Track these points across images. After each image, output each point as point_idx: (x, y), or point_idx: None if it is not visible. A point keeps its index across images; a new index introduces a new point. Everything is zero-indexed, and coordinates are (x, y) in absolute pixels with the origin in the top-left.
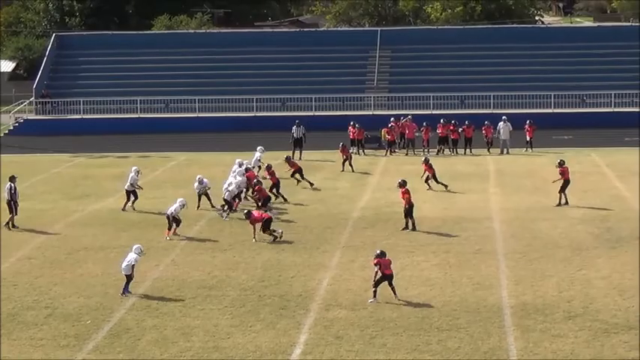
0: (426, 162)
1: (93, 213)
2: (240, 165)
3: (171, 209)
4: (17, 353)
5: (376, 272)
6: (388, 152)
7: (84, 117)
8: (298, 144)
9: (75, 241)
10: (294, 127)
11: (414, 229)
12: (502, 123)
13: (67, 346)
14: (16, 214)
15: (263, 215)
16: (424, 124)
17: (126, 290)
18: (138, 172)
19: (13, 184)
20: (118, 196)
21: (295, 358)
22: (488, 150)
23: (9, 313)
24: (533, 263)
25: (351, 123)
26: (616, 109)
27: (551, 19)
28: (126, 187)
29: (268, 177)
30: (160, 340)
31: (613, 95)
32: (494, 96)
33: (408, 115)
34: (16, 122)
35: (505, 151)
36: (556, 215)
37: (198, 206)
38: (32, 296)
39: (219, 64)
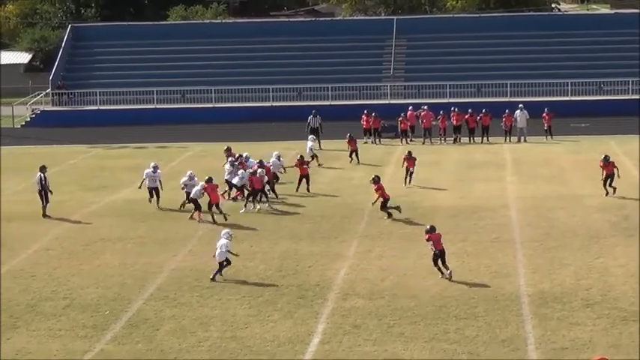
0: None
1: (110, 204)
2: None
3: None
4: (36, 344)
5: (431, 248)
6: (404, 141)
7: (100, 108)
8: (315, 133)
9: (92, 232)
10: (310, 117)
11: (389, 216)
12: (519, 111)
13: (85, 337)
14: (46, 202)
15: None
16: (440, 112)
17: (218, 273)
18: (156, 167)
19: (43, 174)
20: (134, 187)
21: (313, 348)
22: (508, 139)
23: (27, 304)
24: (551, 251)
25: (365, 112)
26: (634, 97)
27: (567, 7)
28: (148, 184)
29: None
30: (178, 330)
31: (631, 82)
32: (510, 84)
33: (425, 104)
34: (33, 114)
35: (522, 139)
36: (573, 204)
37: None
38: (50, 287)
39: (235, 54)
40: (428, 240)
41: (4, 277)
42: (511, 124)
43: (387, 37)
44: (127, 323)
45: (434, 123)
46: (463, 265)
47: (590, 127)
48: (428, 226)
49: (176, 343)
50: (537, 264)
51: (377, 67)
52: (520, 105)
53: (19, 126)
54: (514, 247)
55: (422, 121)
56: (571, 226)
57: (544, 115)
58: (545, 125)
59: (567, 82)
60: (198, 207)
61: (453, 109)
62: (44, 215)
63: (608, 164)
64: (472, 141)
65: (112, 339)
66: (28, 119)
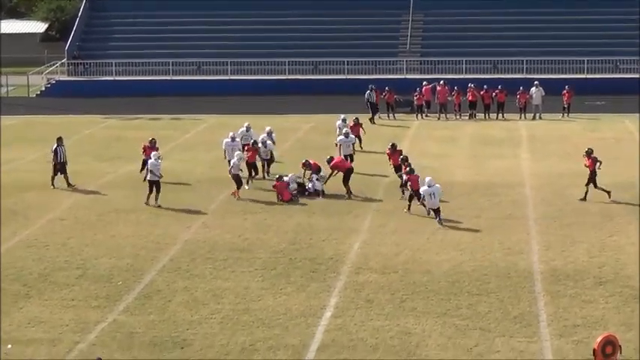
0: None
1: (124, 175)
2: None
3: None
4: (48, 314)
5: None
6: (419, 116)
7: (116, 79)
8: (373, 108)
9: (106, 202)
10: (367, 92)
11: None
12: (534, 88)
13: (98, 307)
14: (57, 174)
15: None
16: (455, 88)
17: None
18: (159, 157)
19: (59, 146)
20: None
21: (325, 321)
22: (523, 116)
23: (40, 274)
24: (564, 229)
25: (370, 87)
26: None
27: None
28: (148, 177)
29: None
30: (191, 302)
31: None
32: (527, 61)
33: (441, 79)
34: (48, 83)
35: (537, 116)
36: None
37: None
38: (64, 257)
39: (252, 26)
40: (407, 180)
41: (18, 247)
42: (525, 101)
43: (403, 12)
44: (140, 294)
45: (449, 99)
46: (476, 241)
47: (606, 105)
48: (407, 168)
49: (188, 314)
50: (550, 241)
51: (393, 42)
52: (536, 82)
53: (34, 95)
54: (528, 224)
55: (437, 97)
56: (584, 203)
57: (564, 92)
58: (565, 102)
59: (584, 60)
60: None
61: (469, 85)
62: (52, 185)
63: (590, 159)
64: (487, 117)
65: (124, 310)
66: (43, 89)
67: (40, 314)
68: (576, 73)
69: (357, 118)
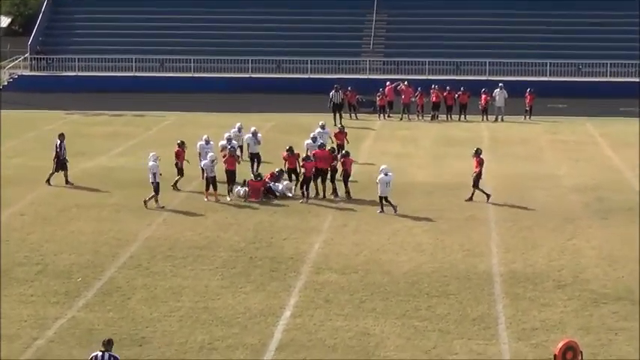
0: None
1: (86, 170)
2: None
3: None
4: (7, 309)
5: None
6: (382, 116)
7: (79, 74)
8: (337, 109)
9: (67, 198)
10: (332, 92)
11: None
12: (498, 90)
13: (57, 303)
14: (56, 171)
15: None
16: (418, 89)
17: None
18: (157, 158)
19: (60, 141)
20: (111, 154)
21: (285, 321)
22: (485, 118)
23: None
24: (524, 231)
25: (335, 86)
26: (612, 79)
27: None
28: (151, 180)
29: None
30: (150, 299)
31: (609, 65)
32: (489, 62)
33: (404, 80)
34: (11, 78)
35: (500, 118)
36: (548, 184)
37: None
38: (23, 252)
39: (215, 24)
40: (343, 163)
41: None
42: (487, 102)
43: (367, 12)
44: (99, 291)
45: (412, 99)
46: (437, 243)
47: (568, 108)
48: (344, 151)
49: (148, 312)
50: (511, 243)
51: (356, 42)
52: (500, 84)
53: None
54: (488, 226)
55: (402, 97)
56: (546, 206)
57: (526, 94)
58: (527, 105)
59: (546, 63)
60: (213, 185)
61: (433, 86)
62: (48, 182)
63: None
64: (449, 118)
65: (83, 306)
66: (6, 83)
67: None
68: (538, 75)
69: (342, 126)
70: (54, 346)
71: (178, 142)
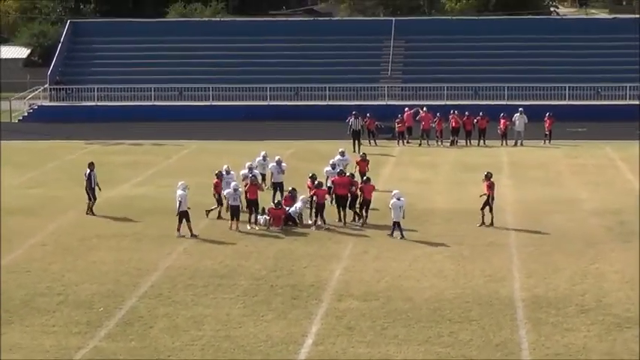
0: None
1: (106, 200)
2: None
3: (178, 199)
4: (29, 340)
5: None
6: (401, 143)
7: (98, 104)
8: (356, 136)
9: (88, 228)
10: (351, 119)
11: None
12: (518, 114)
13: (79, 333)
14: (93, 200)
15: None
16: (437, 114)
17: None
18: (186, 187)
19: (91, 171)
20: (131, 183)
21: (306, 349)
22: (505, 142)
23: (22, 300)
24: (546, 256)
25: (353, 113)
26: (631, 102)
27: (566, 11)
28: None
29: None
30: (172, 329)
31: (628, 88)
32: (508, 87)
33: (422, 105)
34: (30, 109)
35: (519, 142)
36: (569, 208)
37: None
38: (45, 283)
39: (233, 52)
40: (361, 189)
41: None
42: (506, 127)
43: (385, 38)
44: (121, 320)
45: (432, 125)
46: (458, 269)
47: (587, 131)
48: (365, 178)
49: (169, 341)
50: (532, 268)
51: (375, 68)
52: (520, 109)
53: (16, 121)
54: (509, 252)
55: (422, 123)
56: (567, 230)
57: (545, 119)
58: (546, 129)
59: (565, 87)
60: (236, 216)
61: (452, 111)
62: (88, 212)
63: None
64: (469, 144)
65: (105, 336)
66: (26, 114)
67: (21, 340)
68: (558, 99)
69: (364, 154)
70: None
71: (216, 172)
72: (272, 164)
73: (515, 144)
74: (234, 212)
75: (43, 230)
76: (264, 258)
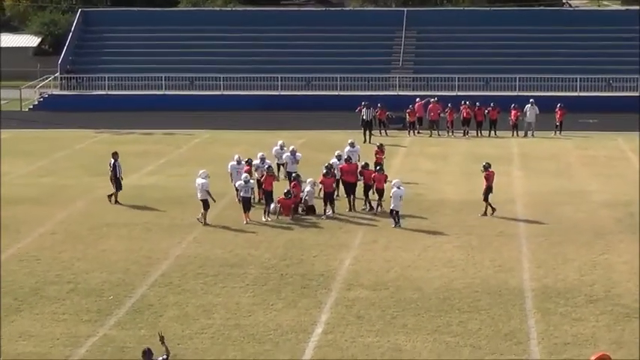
0: (380, 147)
1: None
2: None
3: (199, 187)
4: (39, 327)
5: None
6: (411, 133)
7: (108, 93)
8: (368, 127)
9: (98, 217)
10: (363, 109)
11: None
12: (529, 105)
13: (89, 321)
14: (117, 189)
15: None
16: (448, 105)
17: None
18: (207, 175)
19: (115, 160)
20: (142, 172)
21: (316, 337)
22: (515, 133)
23: (32, 288)
24: (555, 247)
25: (364, 103)
26: None
27: (578, 2)
28: (199, 197)
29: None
30: (182, 317)
31: (639, 79)
32: (519, 78)
33: (434, 96)
34: (41, 97)
35: (530, 134)
36: (579, 199)
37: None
38: (55, 271)
39: (245, 42)
40: (373, 178)
41: (10, 261)
42: (517, 118)
43: (396, 29)
44: (131, 309)
45: (442, 115)
46: (468, 259)
47: (598, 123)
48: (377, 167)
49: (179, 329)
50: (542, 259)
51: (386, 59)
52: (531, 100)
53: (27, 109)
54: (519, 242)
55: (430, 114)
56: (576, 221)
57: (556, 110)
58: (557, 120)
59: (576, 78)
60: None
61: (463, 102)
62: (116, 202)
63: (490, 173)
64: (480, 134)
65: (115, 324)
66: (36, 103)
67: (30, 328)
68: (569, 90)
69: (381, 144)
70: None
71: (246, 160)
72: (286, 154)
73: (526, 135)
74: (246, 204)
75: (53, 219)
76: (274, 247)
